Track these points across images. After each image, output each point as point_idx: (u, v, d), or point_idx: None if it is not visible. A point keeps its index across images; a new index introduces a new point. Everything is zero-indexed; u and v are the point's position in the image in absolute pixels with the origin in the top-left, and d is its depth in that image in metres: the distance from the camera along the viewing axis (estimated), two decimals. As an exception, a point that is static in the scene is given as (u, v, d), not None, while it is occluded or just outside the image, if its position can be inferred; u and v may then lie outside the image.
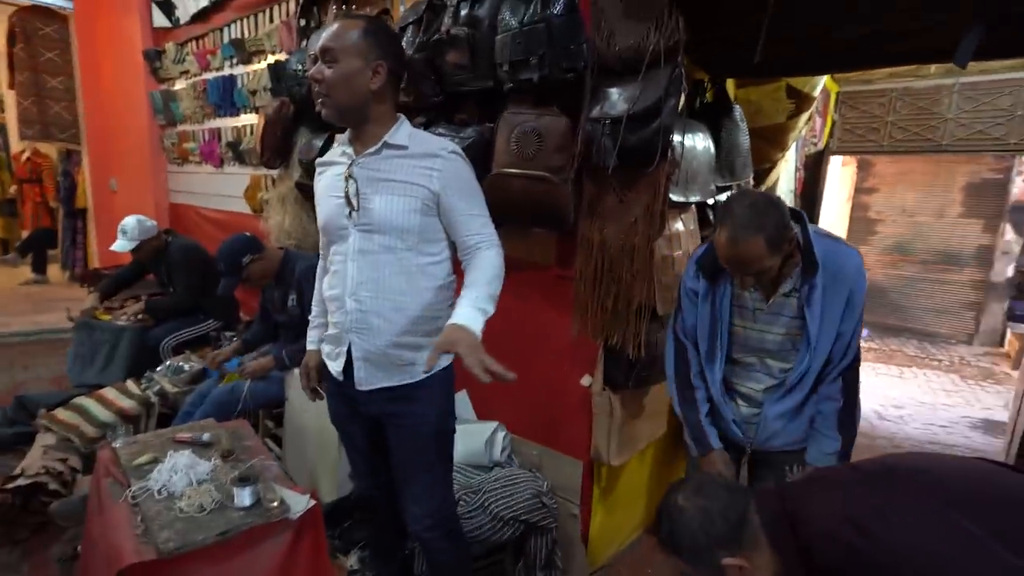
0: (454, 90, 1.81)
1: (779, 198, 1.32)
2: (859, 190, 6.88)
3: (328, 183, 1.33)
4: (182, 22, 3.76)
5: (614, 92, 1.48)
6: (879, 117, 3.71)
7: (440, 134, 1.88)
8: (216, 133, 3.58)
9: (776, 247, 1.23)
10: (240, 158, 3.36)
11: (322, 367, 1.46)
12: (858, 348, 1.39)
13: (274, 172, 2.96)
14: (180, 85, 3.88)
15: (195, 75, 3.67)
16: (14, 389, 3.26)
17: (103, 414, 2.41)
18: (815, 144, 3.61)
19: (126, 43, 4.27)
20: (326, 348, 1.42)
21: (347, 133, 1.32)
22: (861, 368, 1.40)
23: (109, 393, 2.50)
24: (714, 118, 1.88)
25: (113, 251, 3.08)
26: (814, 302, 1.30)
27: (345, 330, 1.30)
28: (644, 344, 1.62)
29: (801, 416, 1.43)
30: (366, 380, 1.30)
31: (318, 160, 1.41)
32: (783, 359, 1.41)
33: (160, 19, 3.94)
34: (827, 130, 3.83)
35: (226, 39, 3.34)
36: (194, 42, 3.67)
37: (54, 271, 5.93)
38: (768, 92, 2.25)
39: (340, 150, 1.33)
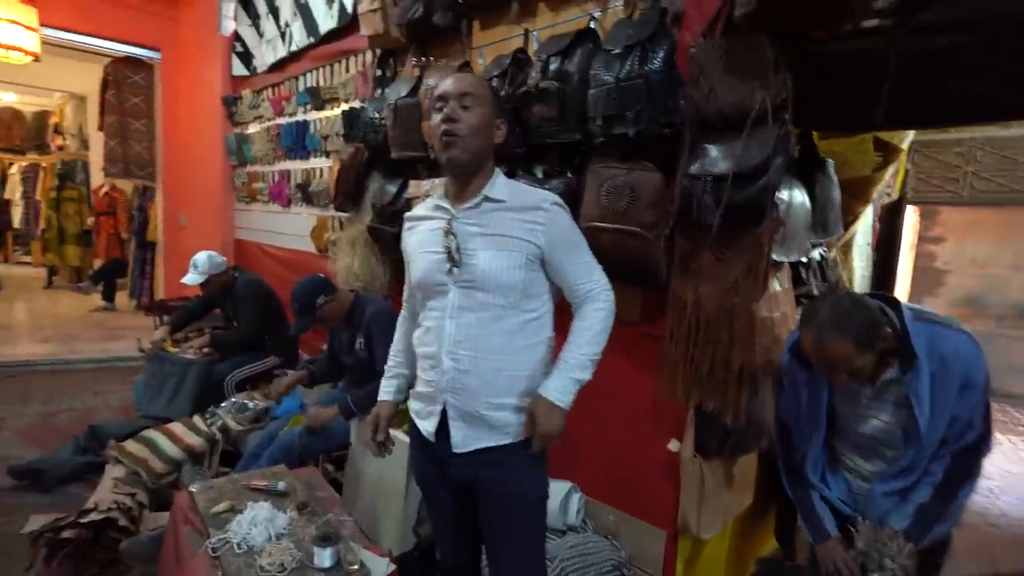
0: (539, 142, 1.81)
1: (864, 297, 1.29)
2: (923, 239, 6.57)
3: (423, 238, 1.31)
4: (259, 71, 3.98)
5: (714, 149, 1.44)
6: (957, 167, 3.55)
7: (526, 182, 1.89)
8: (286, 175, 3.72)
9: (866, 346, 1.21)
10: (308, 199, 3.46)
11: (390, 420, 1.43)
12: (984, 431, 1.27)
13: (343, 215, 3.04)
14: (254, 129, 4.08)
15: (269, 120, 3.85)
16: (85, 415, 3.36)
17: (171, 450, 2.43)
18: (889, 194, 3.47)
19: (206, 90, 4.54)
20: (415, 406, 1.38)
21: (441, 186, 1.32)
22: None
23: (177, 428, 2.53)
24: (807, 172, 1.82)
25: (180, 283, 3.20)
26: (920, 392, 1.23)
27: (440, 390, 1.26)
28: (743, 411, 1.52)
29: (913, 498, 1.33)
30: (462, 442, 1.25)
31: (408, 215, 1.41)
32: (891, 446, 1.34)
33: (239, 68, 4.19)
34: (899, 180, 3.69)
35: (301, 87, 3.50)
36: (270, 89, 3.86)
37: (122, 299, 6.22)
38: (854, 144, 2.17)
39: (433, 204, 1.31)
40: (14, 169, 8.61)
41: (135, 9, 4.66)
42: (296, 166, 3.62)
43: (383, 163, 2.69)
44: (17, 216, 8.63)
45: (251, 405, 2.70)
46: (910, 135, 2.24)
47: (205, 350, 3.13)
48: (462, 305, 1.22)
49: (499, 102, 1.25)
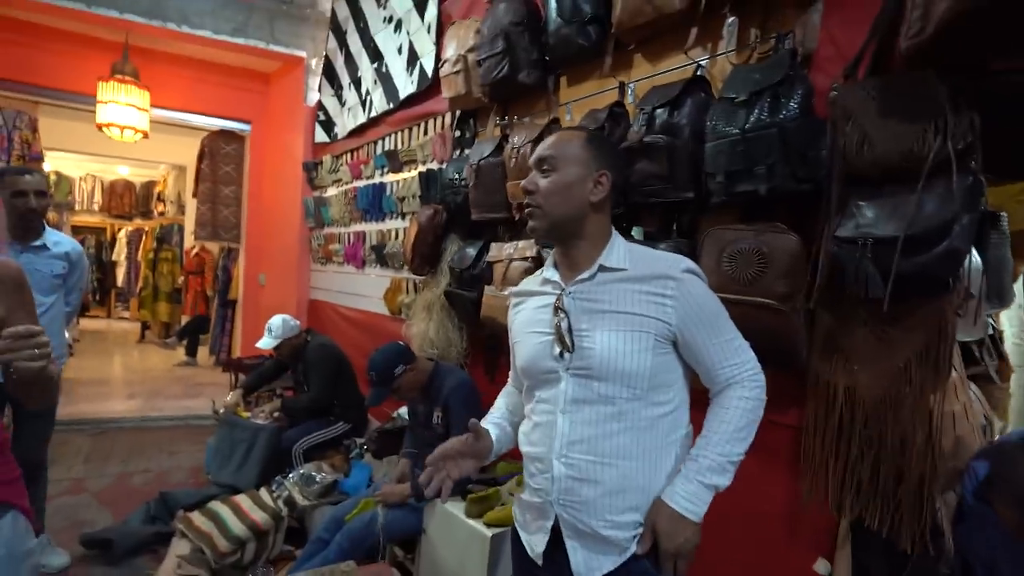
0: (642, 201, 1.62)
1: None
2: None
3: (529, 317, 1.13)
4: (339, 137, 4.11)
5: (871, 207, 1.19)
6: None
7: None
8: (361, 236, 3.73)
9: None
10: (382, 261, 3.43)
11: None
12: None
13: (418, 278, 2.95)
14: (332, 192, 4.18)
15: (347, 183, 3.93)
16: (159, 477, 3.34)
17: (236, 526, 2.30)
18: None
19: (289, 157, 4.76)
20: (519, 516, 1.16)
21: (551, 258, 1.14)
22: None
23: (244, 503, 2.41)
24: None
25: (256, 345, 3.20)
26: None
27: (550, 501, 1.04)
28: (928, 533, 1.18)
29: None
30: (586, 567, 1.01)
31: (514, 291, 1.24)
32: None
33: (321, 136, 4.36)
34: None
35: (379, 151, 3.55)
36: (349, 154, 3.96)
37: (203, 355, 6.46)
38: (1014, 194, 1.83)
39: (541, 278, 1.14)
40: (122, 234, 9.45)
41: (231, 88, 5.03)
42: (371, 228, 3.63)
43: (461, 225, 2.59)
44: (120, 275, 9.39)
45: (318, 477, 2.56)
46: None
47: (275, 415, 3.06)
48: (577, 397, 1.01)
49: (602, 152, 1.07)
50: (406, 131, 3.27)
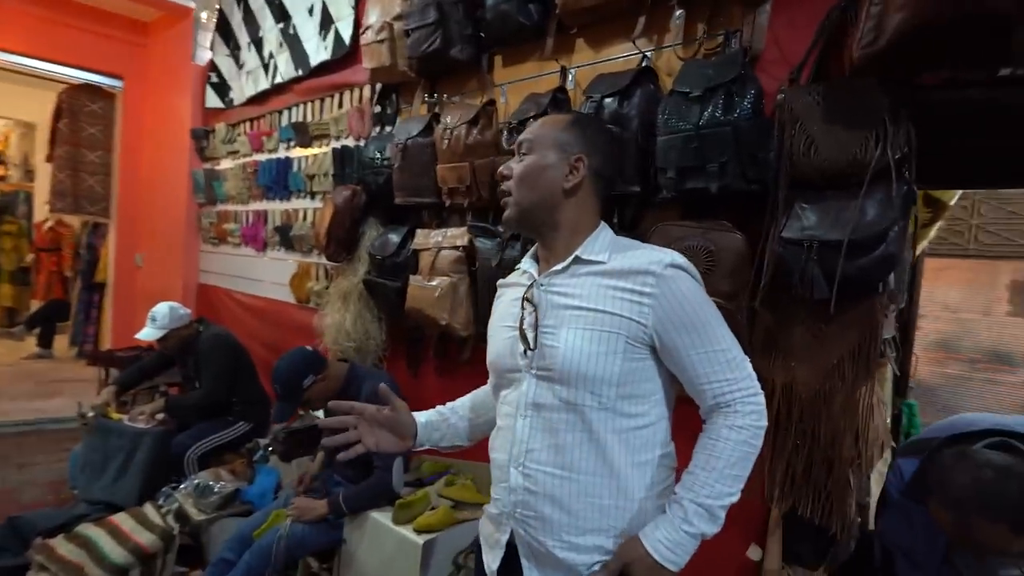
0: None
1: (1012, 460, 1.00)
2: (900, 284, 6.70)
3: (502, 310, 1.05)
4: (236, 103, 3.67)
5: (815, 210, 1.22)
6: (962, 220, 3.52)
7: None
8: (263, 215, 3.37)
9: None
10: (288, 243, 3.12)
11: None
12: None
13: (331, 264, 2.71)
14: (226, 165, 3.73)
15: (245, 156, 3.52)
16: (7, 497, 2.81)
17: (115, 552, 1.98)
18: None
19: (174, 121, 4.18)
20: (484, 529, 1.07)
21: (533, 248, 1.05)
22: None
23: (125, 523, 2.08)
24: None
25: (133, 333, 2.78)
26: None
27: (507, 514, 0.96)
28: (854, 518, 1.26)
29: None
30: None
31: (500, 282, 1.15)
32: None
33: (213, 100, 3.86)
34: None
35: (285, 122, 3.21)
36: (248, 123, 3.55)
37: (61, 345, 5.58)
38: (921, 222, 2.02)
39: (522, 268, 1.05)
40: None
41: (98, 35, 4.30)
42: (275, 206, 3.28)
43: (382, 209, 2.40)
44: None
45: (216, 487, 2.28)
46: (958, 192, 2.11)
47: (159, 416, 2.68)
48: (538, 401, 0.93)
49: (584, 135, 0.98)
50: (317, 102, 2.97)
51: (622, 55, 1.72)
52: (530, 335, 0.93)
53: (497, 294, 1.13)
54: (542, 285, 0.97)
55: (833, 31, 1.28)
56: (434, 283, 1.99)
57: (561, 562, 0.91)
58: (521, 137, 0.99)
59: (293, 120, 3.12)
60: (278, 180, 3.18)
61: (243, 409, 2.76)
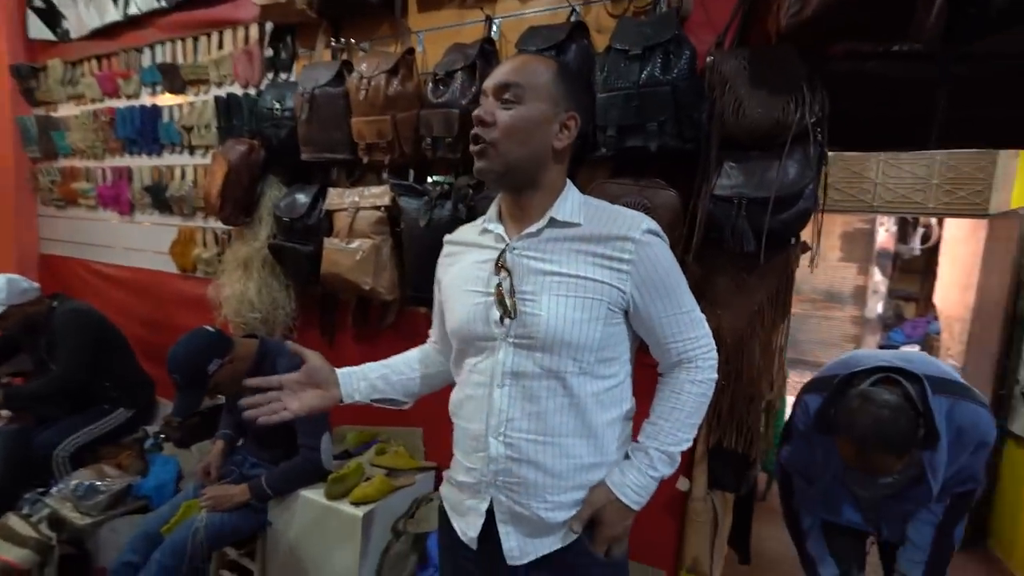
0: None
1: (901, 399, 1.22)
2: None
3: (465, 273, 0.98)
4: (73, 36, 3.04)
5: (741, 169, 1.32)
6: (816, 180, 4.03)
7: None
8: (125, 173, 2.89)
9: (906, 452, 1.20)
10: (162, 206, 2.72)
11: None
12: (981, 481, 1.37)
13: (222, 227, 2.42)
14: (68, 111, 3.12)
15: (95, 101, 2.97)
16: None
17: (-24, 574, 1.68)
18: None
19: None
20: (450, 497, 1.04)
21: (494, 206, 0.99)
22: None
23: (-14, 540, 1.76)
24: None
25: None
26: (937, 465, 1.26)
27: (487, 482, 0.95)
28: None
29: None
30: (520, 551, 0.94)
31: (449, 238, 1.07)
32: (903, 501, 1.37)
33: (40, 30, 3.17)
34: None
35: (147, 62, 2.74)
36: (94, 61, 2.97)
37: None
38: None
39: (481, 226, 0.99)
40: None
41: None
42: (142, 163, 2.83)
43: (283, 166, 2.18)
44: None
45: (102, 485, 2.00)
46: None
47: (2, 413, 2.27)
48: (516, 370, 0.91)
49: (573, 90, 0.92)
50: (189, 41, 2.56)
51: (548, 8, 1.68)
52: (509, 303, 0.90)
53: (446, 251, 1.07)
54: (515, 248, 0.92)
55: (754, 1, 1.36)
56: (354, 245, 1.86)
57: (543, 521, 0.93)
58: (506, 79, 0.88)
59: (158, 60, 2.67)
60: (144, 132, 2.73)
61: (119, 395, 2.42)
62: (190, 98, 2.58)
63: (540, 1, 1.70)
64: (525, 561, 0.95)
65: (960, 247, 3.63)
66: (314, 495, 1.71)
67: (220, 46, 2.46)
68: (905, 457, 1.19)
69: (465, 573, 1.02)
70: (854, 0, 1.09)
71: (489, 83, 0.91)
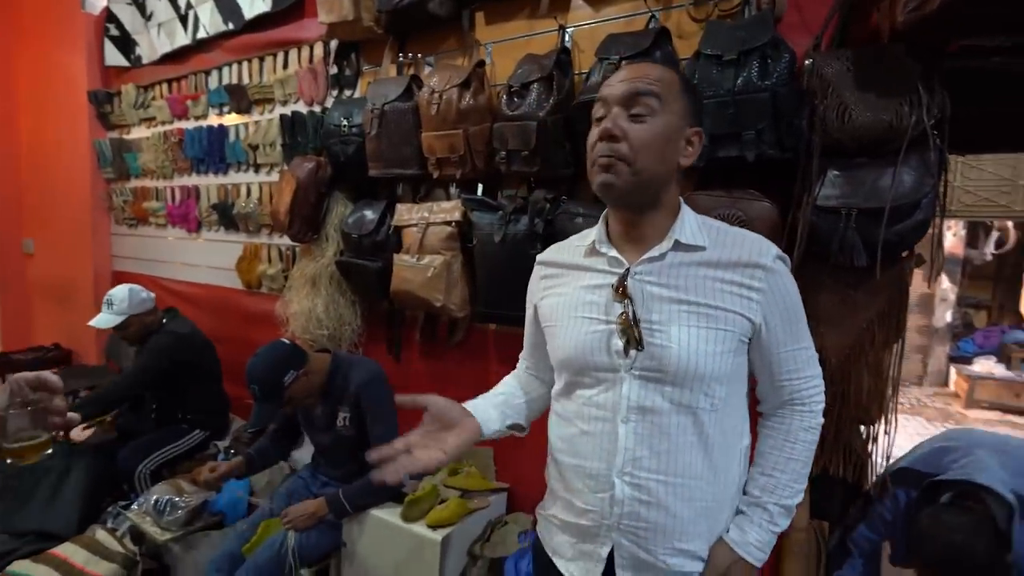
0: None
1: (980, 523, 1.16)
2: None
3: (575, 298, 0.92)
4: (145, 61, 3.18)
5: (848, 177, 1.23)
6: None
7: (578, 214, 1.56)
8: (193, 192, 2.99)
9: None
10: (229, 223, 2.79)
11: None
12: None
13: (286, 244, 2.46)
14: (140, 133, 3.25)
15: (165, 123, 3.08)
16: None
17: (67, 588, 1.72)
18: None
19: (63, 81, 3.56)
20: (556, 539, 0.98)
21: (601, 225, 0.93)
22: None
23: (75, 555, 1.81)
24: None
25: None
26: None
27: (608, 526, 0.89)
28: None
29: None
30: None
31: (544, 259, 1.02)
32: None
33: (115, 57, 3.32)
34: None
35: (214, 84, 2.82)
36: (165, 85, 3.09)
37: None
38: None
39: (586, 246, 0.94)
40: None
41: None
42: (209, 181, 2.91)
43: (349, 182, 2.19)
44: None
45: (181, 502, 2.04)
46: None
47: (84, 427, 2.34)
48: (644, 404, 0.85)
49: (697, 104, 0.87)
50: (255, 61, 2.63)
51: (623, 15, 1.64)
52: (636, 332, 0.84)
53: (543, 273, 1.02)
54: (637, 274, 0.87)
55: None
56: (425, 261, 1.85)
57: (667, 569, 0.87)
58: (638, 87, 0.81)
59: (225, 82, 2.74)
60: (211, 151, 2.81)
61: (200, 418, 2.46)
62: (256, 117, 2.64)
63: (615, 8, 1.65)
64: None
65: (1050, 251, 3.36)
66: (389, 516, 1.69)
67: (285, 66, 2.51)
68: None
69: None
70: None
71: (613, 92, 0.84)
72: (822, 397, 0.92)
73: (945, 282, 6.86)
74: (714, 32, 1.34)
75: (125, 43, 3.28)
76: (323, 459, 1.91)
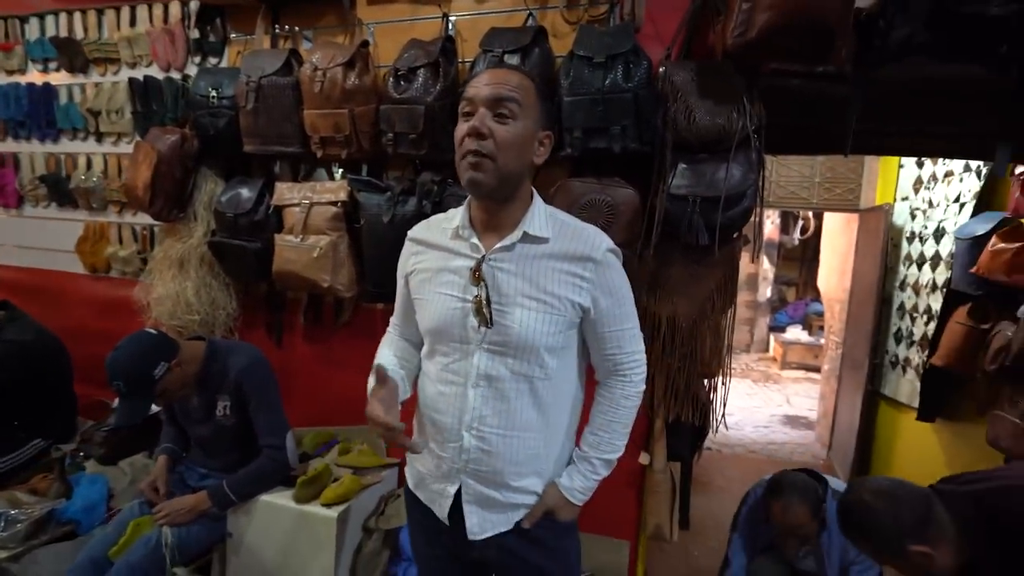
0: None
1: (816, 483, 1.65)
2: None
3: (440, 276, 1.03)
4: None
5: (693, 170, 1.46)
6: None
7: (465, 196, 1.64)
8: (10, 160, 2.55)
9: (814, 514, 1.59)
10: (64, 198, 2.44)
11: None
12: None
13: (139, 223, 2.23)
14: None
15: (-35, 76, 2.57)
16: None
17: None
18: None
19: None
20: (417, 479, 1.12)
21: (464, 211, 1.03)
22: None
23: None
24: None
25: None
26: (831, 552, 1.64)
27: (457, 469, 1.03)
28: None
29: None
30: (479, 528, 1.04)
31: (414, 235, 1.10)
32: None
33: None
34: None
35: (33, 34, 2.42)
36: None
37: None
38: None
39: (453, 228, 1.03)
40: None
41: None
42: (31, 148, 2.50)
43: (218, 158, 2.05)
44: None
45: (19, 514, 1.79)
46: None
47: None
48: (489, 373, 0.99)
49: (548, 108, 1.01)
50: (92, 13, 2.31)
51: (505, 9, 1.74)
52: (486, 312, 0.96)
53: (413, 250, 1.10)
54: (491, 260, 0.98)
55: (697, 19, 1.52)
56: (310, 242, 1.81)
57: (504, 502, 1.03)
58: (504, 93, 0.91)
59: (51, 34, 2.37)
60: (35, 113, 2.42)
61: (41, 423, 2.13)
62: (95, 79, 2.33)
63: (496, 2, 1.75)
64: (482, 536, 1.04)
65: (838, 237, 4.17)
66: (279, 499, 1.67)
67: (132, 23, 2.24)
68: (813, 520, 1.58)
69: (435, 543, 1.12)
70: (788, 28, 1.26)
71: (480, 94, 0.93)
72: (643, 369, 1.09)
73: (766, 263, 8.13)
74: (586, 36, 1.50)
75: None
76: (202, 451, 1.81)
